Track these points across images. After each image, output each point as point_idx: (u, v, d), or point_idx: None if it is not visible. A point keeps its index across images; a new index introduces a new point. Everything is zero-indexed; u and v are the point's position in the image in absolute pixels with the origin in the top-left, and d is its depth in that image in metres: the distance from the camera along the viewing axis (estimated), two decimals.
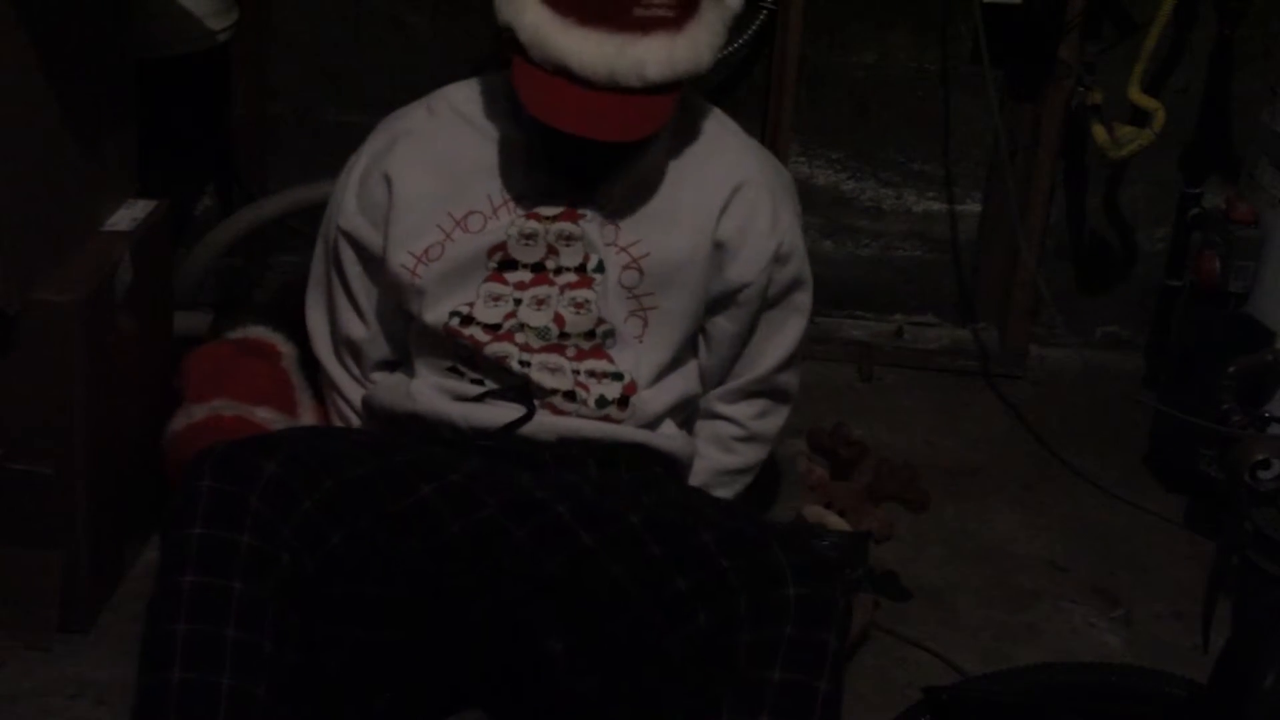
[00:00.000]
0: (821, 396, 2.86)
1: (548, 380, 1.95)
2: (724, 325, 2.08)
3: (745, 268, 2.04)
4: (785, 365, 2.15)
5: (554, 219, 1.97)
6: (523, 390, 1.96)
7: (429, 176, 2.01)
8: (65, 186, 2.12)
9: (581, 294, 1.97)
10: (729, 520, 1.78)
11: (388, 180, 2.02)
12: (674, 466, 2.05)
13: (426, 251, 1.98)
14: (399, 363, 2.11)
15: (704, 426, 2.16)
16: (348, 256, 2.08)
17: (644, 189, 2.00)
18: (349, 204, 2.06)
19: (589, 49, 1.85)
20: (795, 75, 2.87)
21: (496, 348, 1.96)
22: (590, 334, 1.98)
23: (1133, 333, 3.10)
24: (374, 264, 2.06)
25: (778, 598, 1.67)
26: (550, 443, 1.95)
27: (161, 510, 2.19)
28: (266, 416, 2.22)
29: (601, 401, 1.97)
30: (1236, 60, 2.89)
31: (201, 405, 2.22)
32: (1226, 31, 2.85)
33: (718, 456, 2.15)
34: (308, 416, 2.28)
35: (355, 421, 2.13)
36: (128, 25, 2.29)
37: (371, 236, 2.04)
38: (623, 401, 1.98)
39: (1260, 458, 2.10)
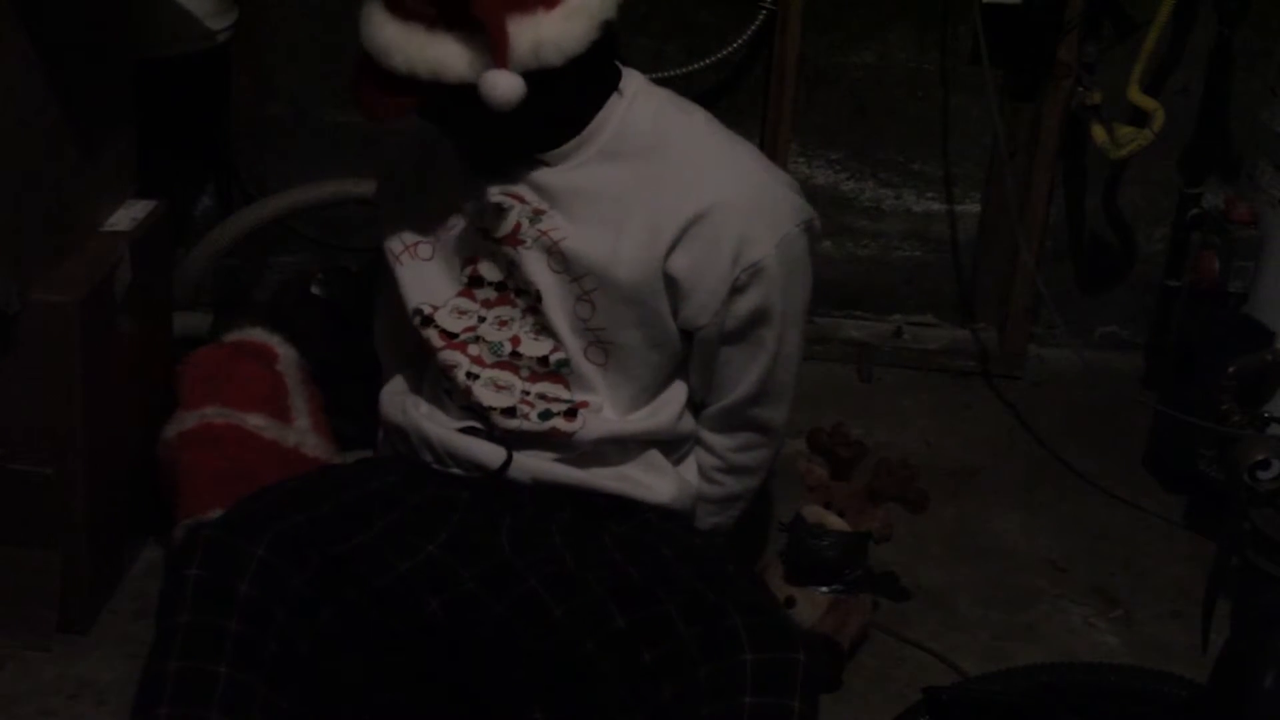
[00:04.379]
0: (821, 396, 2.85)
1: (488, 397, 1.90)
2: (692, 353, 1.97)
3: (697, 311, 1.90)
4: (756, 400, 2.00)
5: (499, 241, 1.90)
6: (501, 431, 1.92)
7: (413, 173, 2.01)
8: (65, 186, 2.12)
9: (539, 319, 1.91)
10: (695, 582, 1.76)
11: (391, 169, 2.07)
12: (666, 512, 1.98)
13: (416, 246, 1.97)
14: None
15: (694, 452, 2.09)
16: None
17: (590, 211, 1.87)
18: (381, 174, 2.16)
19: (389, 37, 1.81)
20: (795, 75, 2.87)
21: (448, 355, 1.92)
22: (544, 359, 1.91)
23: (1133, 333, 3.10)
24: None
25: (735, 666, 1.66)
26: (527, 485, 1.92)
27: (161, 511, 2.21)
28: (258, 423, 2.23)
29: (546, 415, 1.91)
30: (1236, 60, 2.89)
31: (193, 412, 2.23)
32: (1226, 31, 2.85)
33: (700, 485, 2.07)
34: (302, 420, 2.28)
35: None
36: (128, 25, 2.29)
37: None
38: (570, 413, 1.91)
39: (1260, 458, 2.09)
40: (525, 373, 1.92)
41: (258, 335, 2.37)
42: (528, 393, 1.92)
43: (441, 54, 1.76)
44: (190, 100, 2.90)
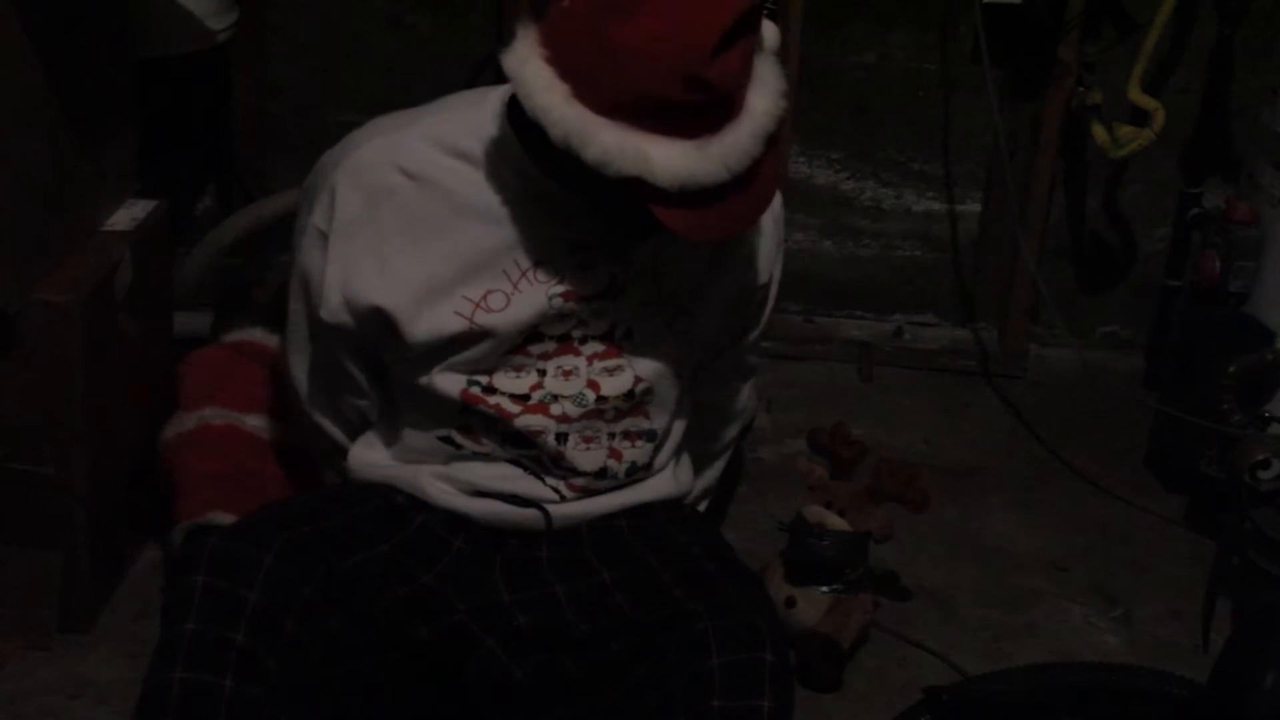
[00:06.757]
0: (821, 396, 2.85)
1: (581, 460, 1.86)
2: (738, 322, 2.02)
3: (763, 270, 1.97)
4: (757, 339, 2.09)
5: (591, 298, 1.82)
6: (536, 461, 1.87)
7: (427, 264, 1.80)
8: (65, 186, 2.12)
9: (611, 361, 1.85)
10: (676, 590, 1.77)
11: (382, 270, 1.81)
12: (670, 501, 1.99)
13: (454, 340, 1.81)
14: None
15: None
16: (337, 343, 1.90)
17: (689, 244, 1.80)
18: (332, 299, 1.84)
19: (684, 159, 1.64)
20: (795, 75, 2.87)
21: (530, 420, 1.83)
22: (629, 394, 1.86)
23: (1133, 333, 3.10)
24: (363, 342, 1.88)
25: (704, 670, 1.67)
26: (555, 530, 1.90)
27: (161, 511, 2.22)
28: (257, 424, 2.23)
29: (632, 470, 1.90)
30: (1236, 60, 2.89)
31: (192, 414, 2.23)
32: (1226, 31, 2.85)
33: (703, 444, 2.12)
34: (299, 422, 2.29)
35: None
36: (128, 25, 2.29)
37: (360, 330, 1.86)
38: (647, 466, 1.92)
39: (1260, 458, 2.10)
40: (610, 414, 1.87)
41: (258, 335, 2.37)
42: (613, 435, 1.89)
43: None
44: (190, 100, 2.90)
